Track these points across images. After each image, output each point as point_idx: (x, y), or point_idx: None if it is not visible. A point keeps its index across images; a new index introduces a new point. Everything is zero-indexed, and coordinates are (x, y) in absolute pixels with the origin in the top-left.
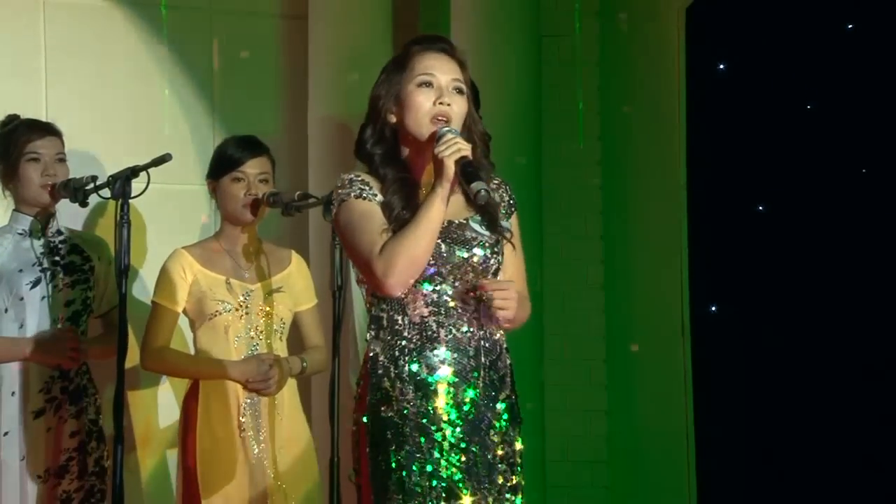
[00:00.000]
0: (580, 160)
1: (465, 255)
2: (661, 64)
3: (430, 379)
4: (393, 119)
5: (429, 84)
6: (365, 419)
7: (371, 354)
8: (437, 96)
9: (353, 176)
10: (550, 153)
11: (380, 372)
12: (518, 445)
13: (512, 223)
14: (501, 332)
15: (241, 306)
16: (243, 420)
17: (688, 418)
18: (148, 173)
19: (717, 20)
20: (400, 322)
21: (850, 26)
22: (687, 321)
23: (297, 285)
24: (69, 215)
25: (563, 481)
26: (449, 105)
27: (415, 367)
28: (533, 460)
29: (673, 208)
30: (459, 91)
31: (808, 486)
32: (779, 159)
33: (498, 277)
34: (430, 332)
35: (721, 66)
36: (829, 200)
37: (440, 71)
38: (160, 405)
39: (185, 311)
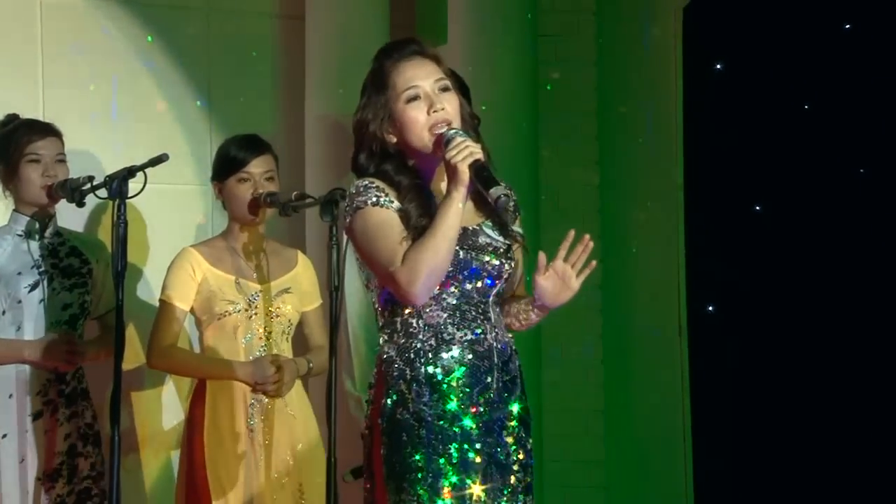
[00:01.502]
0: (578, 160)
1: (481, 260)
2: (658, 64)
3: (445, 381)
4: (393, 139)
5: (416, 97)
6: (380, 421)
7: (385, 357)
8: (428, 105)
9: (367, 182)
10: (548, 153)
11: (395, 374)
12: (530, 446)
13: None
14: (511, 335)
15: (249, 306)
16: (251, 421)
17: (685, 419)
18: (145, 173)
19: (714, 20)
20: (415, 325)
21: (847, 26)
22: (684, 321)
23: (304, 285)
24: (71, 215)
25: (560, 482)
26: (443, 109)
27: (430, 369)
28: None
29: (670, 208)
30: (446, 89)
31: (805, 487)
32: (776, 159)
33: (509, 282)
34: (445, 335)
35: (718, 66)
36: (827, 200)
37: (421, 78)
38: (164, 406)
39: (192, 310)
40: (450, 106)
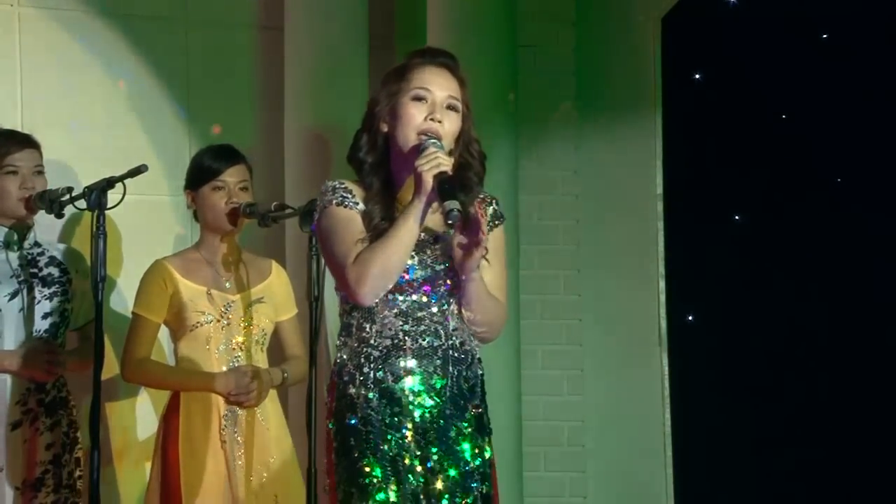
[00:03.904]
0: (557, 170)
1: (437, 267)
2: (637, 73)
3: (395, 387)
4: (385, 129)
5: (422, 98)
6: (330, 425)
7: (338, 361)
8: (429, 112)
9: (336, 183)
10: (527, 162)
11: (346, 379)
12: (487, 455)
13: (496, 236)
14: (475, 342)
15: (222, 317)
16: (224, 432)
17: (665, 428)
18: (124, 184)
19: (693, 29)
20: (368, 330)
21: (824, 36)
22: (664, 331)
23: (278, 295)
24: (46, 226)
25: (540, 493)
26: (440, 122)
27: (380, 375)
28: (510, 472)
29: (649, 217)
30: (453, 108)
31: (787, 496)
32: (755, 168)
33: None
34: (396, 341)
35: (697, 76)
36: (805, 209)
37: (436, 86)
38: (138, 417)
39: (165, 323)
40: (448, 124)
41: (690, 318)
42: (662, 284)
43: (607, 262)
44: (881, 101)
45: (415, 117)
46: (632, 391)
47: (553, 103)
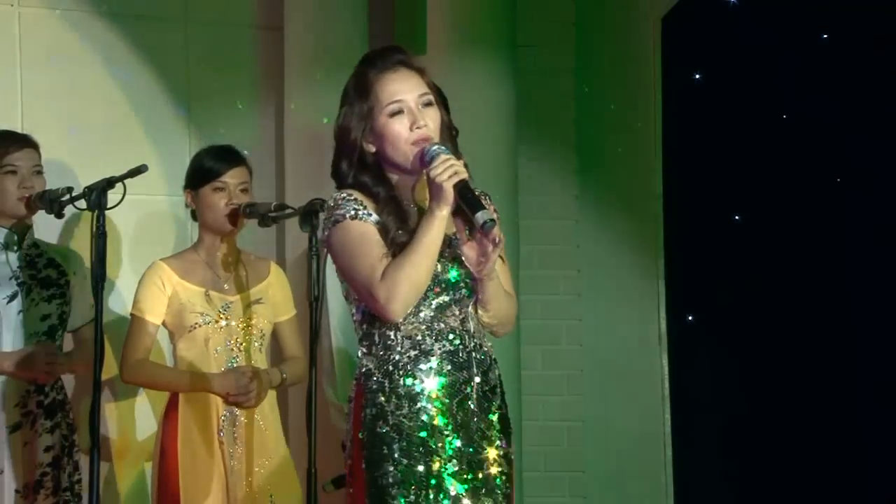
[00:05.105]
0: (556, 170)
1: (458, 271)
2: (636, 74)
3: (424, 392)
4: (372, 149)
5: (399, 111)
6: (360, 435)
7: (363, 370)
8: (411, 121)
9: (345, 195)
10: (526, 162)
11: (374, 388)
12: (512, 456)
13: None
14: (490, 344)
15: (220, 318)
16: (222, 433)
17: (665, 428)
18: (124, 184)
19: (693, 30)
20: (392, 337)
21: (824, 36)
22: (664, 331)
23: (277, 296)
24: (45, 226)
25: (540, 492)
26: (426, 125)
27: (409, 381)
28: None
29: (649, 218)
30: (429, 104)
31: (785, 496)
32: (754, 169)
33: None
34: (423, 347)
35: (697, 76)
36: (805, 210)
37: (405, 92)
38: (137, 418)
39: (164, 324)
40: (432, 122)
41: (690, 318)
42: (662, 284)
43: (607, 262)
44: (881, 100)
45: (401, 133)
46: (632, 391)
47: (553, 103)
